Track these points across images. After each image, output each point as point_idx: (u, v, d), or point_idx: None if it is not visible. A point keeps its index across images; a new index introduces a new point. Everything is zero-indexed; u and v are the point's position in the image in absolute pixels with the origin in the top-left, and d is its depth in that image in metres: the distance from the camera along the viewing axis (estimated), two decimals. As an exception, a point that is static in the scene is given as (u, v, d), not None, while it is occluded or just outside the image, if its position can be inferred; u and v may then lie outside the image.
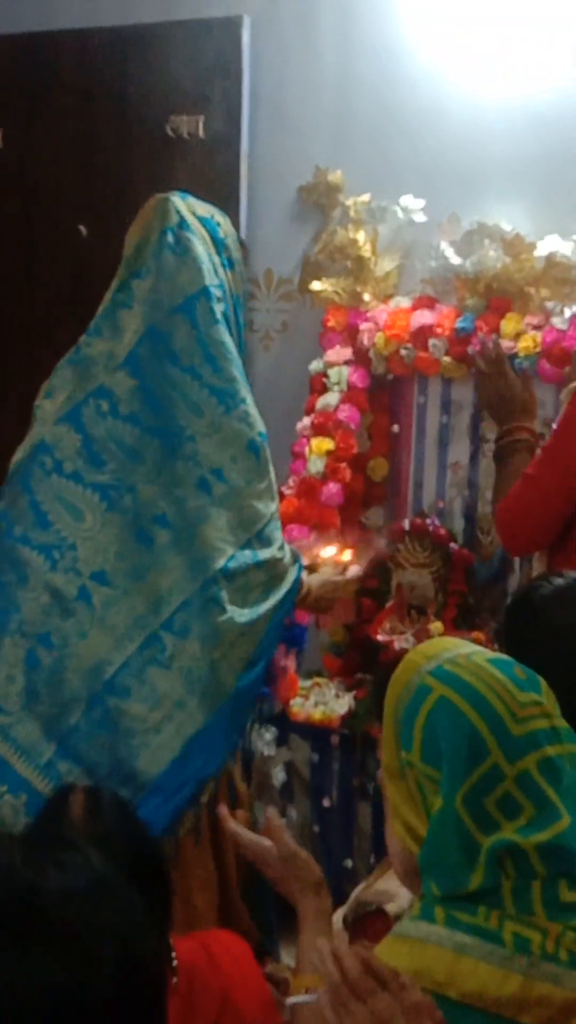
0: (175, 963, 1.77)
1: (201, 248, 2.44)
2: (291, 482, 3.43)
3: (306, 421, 3.50)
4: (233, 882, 2.54)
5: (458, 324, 3.34)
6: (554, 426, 2.81)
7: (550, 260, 3.24)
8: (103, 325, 2.46)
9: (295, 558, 2.53)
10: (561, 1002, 1.27)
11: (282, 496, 3.38)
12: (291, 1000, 1.58)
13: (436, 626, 3.32)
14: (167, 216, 2.44)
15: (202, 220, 2.48)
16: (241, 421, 2.43)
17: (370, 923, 2.05)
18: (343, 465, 3.44)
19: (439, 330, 3.36)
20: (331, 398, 3.48)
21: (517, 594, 2.30)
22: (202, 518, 2.37)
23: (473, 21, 3.39)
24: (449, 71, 3.45)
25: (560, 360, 3.17)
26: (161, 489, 2.38)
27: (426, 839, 1.38)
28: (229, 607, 2.36)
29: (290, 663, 3.25)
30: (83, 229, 3.90)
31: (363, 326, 3.47)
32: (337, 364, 3.51)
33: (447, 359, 3.36)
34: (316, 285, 3.56)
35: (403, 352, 3.41)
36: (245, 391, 2.46)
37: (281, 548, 2.49)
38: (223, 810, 1.97)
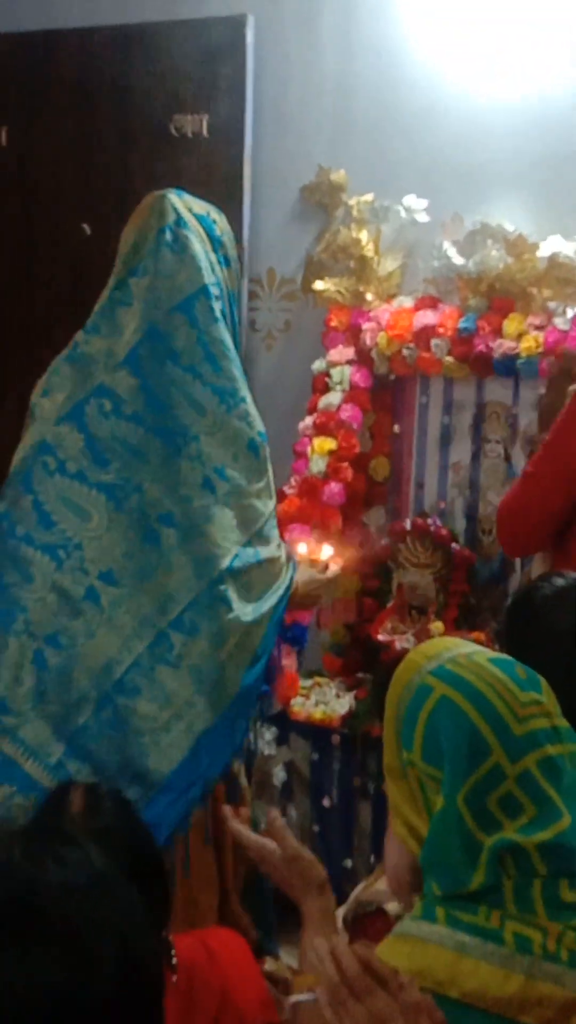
0: (175, 961, 1.77)
1: (199, 246, 2.44)
2: (293, 481, 3.43)
3: (308, 420, 3.51)
4: (231, 880, 2.54)
5: (460, 324, 3.34)
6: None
7: (553, 260, 3.24)
8: (101, 323, 2.45)
9: (289, 556, 2.54)
10: (562, 1002, 1.27)
11: (284, 495, 3.38)
12: (292, 998, 1.57)
13: (437, 626, 3.32)
14: (164, 214, 2.44)
15: (198, 217, 2.48)
16: (242, 420, 2.43)
17: (370, 923, 2.04)
18: (345, 465, 3.44)
19: (441, 330, 3.36)
20: (333, 398, 3.48)
21: (518, 595, 2.30)
22: (207, 517, 2.37)
23: (475, 21, 3.39)
24: (452, 71, 3.45)
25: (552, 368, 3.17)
26: (166, 488, 2.38)
27: (427, 838, 1.39)
28: (235, 605, 2.37)
29: (291, 662, 3.25)
30: (86, 228, 3.90)
31: (366, 326, 3.47)
32: (339, 364, 3.51)
33: (449, 359, 3.36)
34: (319, 284, 3.56)
35: (405, 352, 3.41)
36: (245, 390, 2.46)
37: (279, 546, 2.50)
38: (227, 810, 1.97)
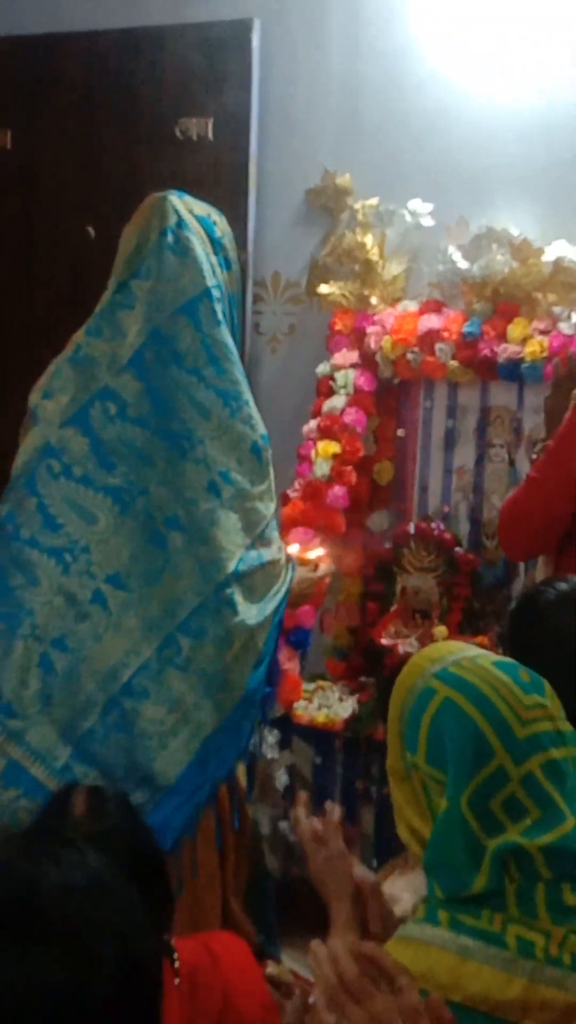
0: (178, 964, 1.76)
1: (200, 248, 2.43)
2: (297, 485, 3.43)
3: (312, 424, 3.50)
4: (233, 883, 2.54)
5: (465, 328, 3.34)
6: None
7: (558, 265, 3.24)
8: (103, 325, 2.45)
9: (288, 557, 2.55)
10: (564, 1006, 1.27)
11: (287, 499, 3.38)
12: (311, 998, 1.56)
13: (440, 630, 3.32)
14: (166, 215, 2.43)
15: (199, 219, 2.48)
16: (245, 423, 2.43)
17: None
18: (349, 468, 3.44)
19: (446, 334, 3.36)
20: (337, 401, 3.48)
21: (521, 598, 2.30)
22: (213, 521, 2.37)
23: (481, 24, 3.39)
24: (457, 75, 3.45)
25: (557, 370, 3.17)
26: (172, 492, 2.38)
27: (431, 841, 1.39)
28: (241, 609, 2.37)
29: (294, 666, 3.25)
30: (91, 231, 3.90)
31: (370, 329, 3.47)
32: (344, 367, 3.50)
33: (454, 363, 3.36)
34: (323, 288, 3.56)
35: (410, 356, 3.41)
36: (247, 392, 2.46)
37: (280, 549, 2.50)
38: (301, 796, 1.94)
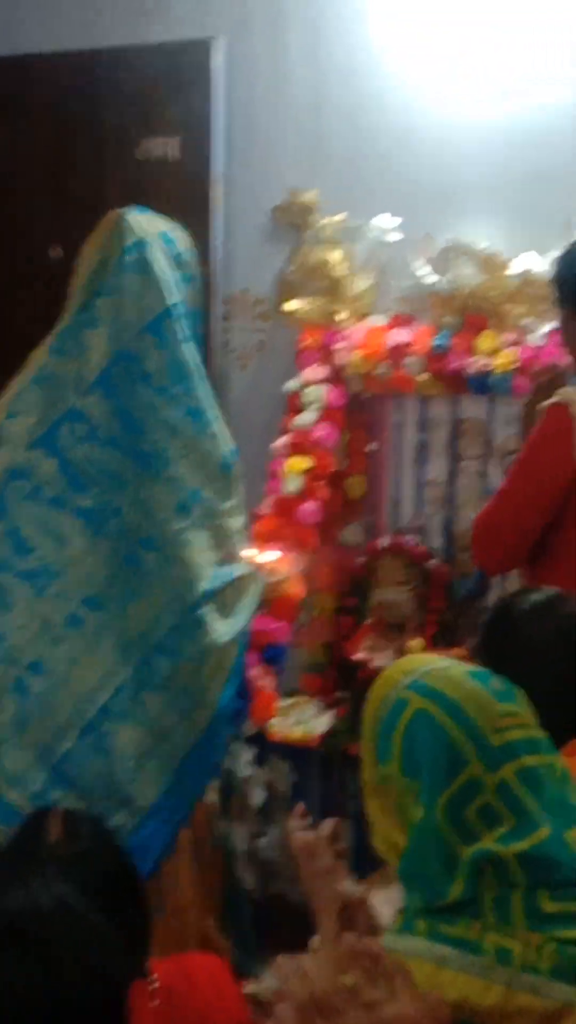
0: (155, 985, 1.75)
1: (162, 264, 2.43)
2: (268, 501, 3.43)
3: (283, 440, 3.50)
4: (208, 900, 2.53)
5: (434, 342, 3.35)
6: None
7: (525, 277, 3.26)
8: (67, 344, 2.43)
9: (255, 568, 2.54)
10: (541, 1012, 1.27)
11: (259, 515, 3.38)
12: None
13: (415, 643, 3.32)
14: (126, 233, 2.42)
15: (160, 235, 2.47)
16: (213, 440, 2.43)
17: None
18: (320, 483, 3.44)
19: (415, 348, 3.37)
20: (308, 417, 3.48)
21: (495, 609, 2.31)
22: (184, 541, 2.37)
23: (446, 41, 3.41)
24: (421, 91, 3.47)
25: (535, 377, 3.18)
26: (144, 512, 2.37)
27: (406, 850, 1.38)
28: (214, 627, 2.37)
29: (269, 682, 3.24)
30: (58, 251, 3.89)
31: (339, 345, 3.48)
32: (314, 383, 3.51)
33: (423, 377, 3.36)
34: (291, 304, 3.57)
35: (379, 370, 3.41)
36: (214, 409, 2.46)
37: (248, 562, 2.50)
38: (300, 807, 1.93)
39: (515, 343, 3.26)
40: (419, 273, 3.40)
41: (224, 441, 2.45)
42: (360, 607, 3.52)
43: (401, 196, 3.49)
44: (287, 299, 3.59)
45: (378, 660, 3.30)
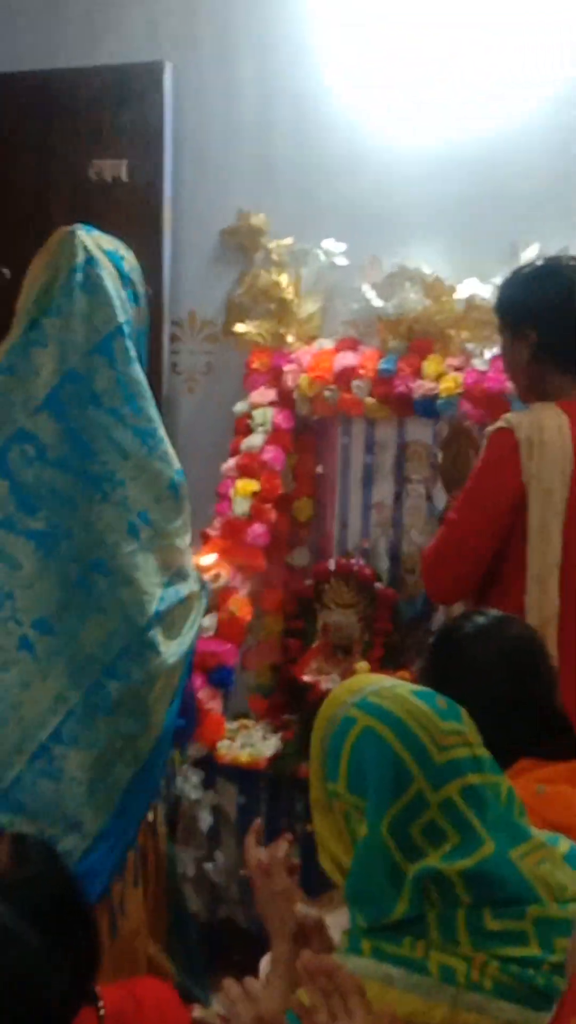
0: (102, 1011, 1.74)
1: (110, 284, 2.42)
2: (216, 523, 3.43)
3: (231, 462, 3.50)
4: (158, 925, 2.51)
5: (381, 365, 3.37)
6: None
7: (470, 303, 3.29)
8: (15, 362, 2.40)
9: (202, 584, 2.53)
10: (486, 1030, 1.28)
11: (208, 537, 3.37)
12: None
13: (362, 665, 3.33)
14: (75, 252, 2.41)
15: (108, 254, 2.46)
16: (162, 461, 2.42)
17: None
18: (268, 506, 3.44)
19: (362, 371, 3.39)
20: (256, 439, 3.49)
21: (440, 631, 2.32)
22: (134, 564, 2.35)
23: (390, 68, 3.46)
24: (368, 117, 3.51)
25: (480, 401, 3.21)
26: (94, 535, 2.35)
27: (352, 869, 1.39)
28: (162, 649, 2.35)
29: (216, 705, 3.23)
30: (6, 272, 3.88)
31: (287, 368, 3.49)
32: (261, 405, 3.52)
33: (370, 400, 3.39)
34: (240, 327, 3.58)
35: (327, 393, 3.43)
36: (162, 429, 2.45)
37: (196, 580, 2.49)
38: (258, 823, 1.93)
39: (460, 367, 3.29)
40: (367, 297, 3.42)
41: (172, 461, 2.44)
42: (307, 629, 3.52)
43: (348, 220, 3.53)
44: (235, 321, 3.60)
45: (325, 682, 3.31)
